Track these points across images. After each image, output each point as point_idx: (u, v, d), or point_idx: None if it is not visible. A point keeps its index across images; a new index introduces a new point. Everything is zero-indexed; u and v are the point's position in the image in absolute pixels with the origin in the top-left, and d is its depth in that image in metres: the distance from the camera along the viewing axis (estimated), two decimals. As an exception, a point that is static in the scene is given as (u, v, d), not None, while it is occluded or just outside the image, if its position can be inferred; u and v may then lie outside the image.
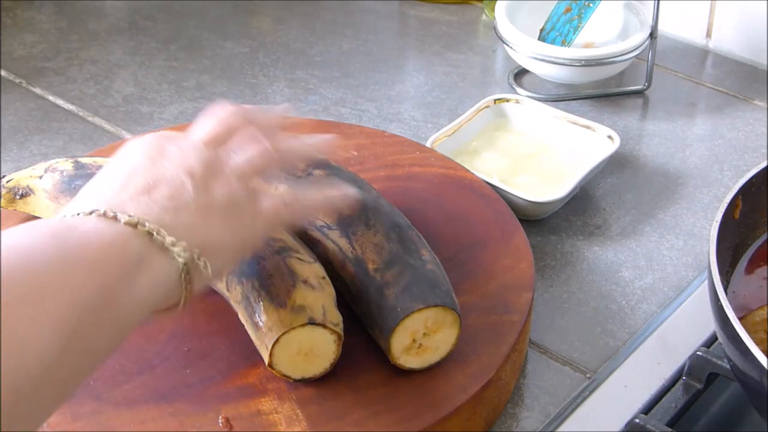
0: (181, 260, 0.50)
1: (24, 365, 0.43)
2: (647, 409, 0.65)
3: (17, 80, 0.97)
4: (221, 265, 0.54)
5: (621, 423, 0.63)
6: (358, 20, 1.07)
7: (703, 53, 1.02)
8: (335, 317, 0.59)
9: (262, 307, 0.58)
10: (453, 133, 0.83)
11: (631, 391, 0.66)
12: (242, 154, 0.56)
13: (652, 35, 0.92)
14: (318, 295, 0.59)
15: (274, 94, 0.95)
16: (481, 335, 0.63)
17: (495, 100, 0.86)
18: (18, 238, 0.47)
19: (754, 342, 0.54)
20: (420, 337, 0.59)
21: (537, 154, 0.84)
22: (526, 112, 0.86)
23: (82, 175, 0.67)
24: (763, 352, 0.54)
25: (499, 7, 0.96)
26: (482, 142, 0.85)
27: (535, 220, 0.78)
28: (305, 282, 0.59)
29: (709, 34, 1.01)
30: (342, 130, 0.81)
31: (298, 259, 0.61)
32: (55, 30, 1.05)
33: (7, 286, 0.44)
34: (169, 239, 0.50)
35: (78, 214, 0.50)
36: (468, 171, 0.77)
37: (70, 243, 0.48)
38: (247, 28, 1.06)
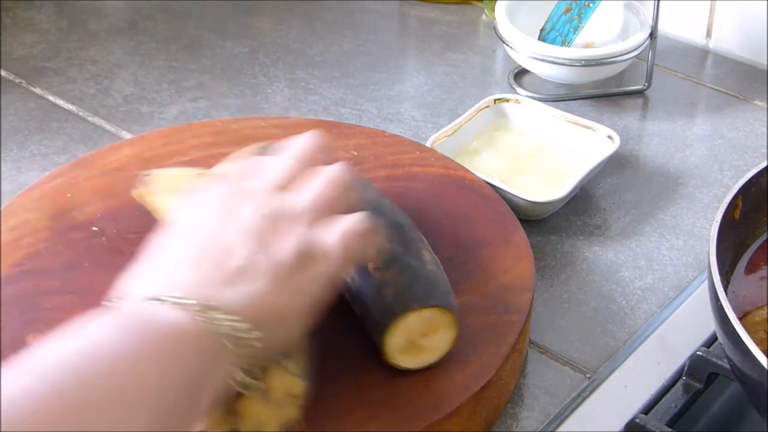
0: (235, 334, 0.49)
1: None
2: (647, 409, 0.65)
3: (17, 80, 0.97)
4: (284, 334, 0.53)
5: (621, 423, 0.63)
6: (358, 20, 1.07)
7: (703, 53, 1.02)
8: None
9: None
10: (453, 133, 0.83)
11: (631, 391, 0.66)
12: (311, 193, 0.55)
13: (652, 35, 0.92)
14: (270, 413, 0.53)
15: (274, 94, 0.95)
16: (481, 335, 0.63)
17: (495, 100, 0.86)
18: (100, 336, 0.47)
19: (754, 342, 0.54)
20: (417, 338, 0.59)
21: (537, 154, 0.84)
22: (526, 112, 0.86)
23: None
24: (763, 352, 0.54)
25: (499, 7, 0.96)
26: (482, 142, 0.85)
27: (535, 220, 0.78)
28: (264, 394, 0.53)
29: (709, 34, 1.01)
30: (342, 130, 0.81)
31: (284, 367, 0.55)
32: (55, 30, 1.05)
33: (95, 392, 0.44)
34: (229, 324, 0.49)
35: (149, 300, 0.49)
36: (468, 171, 0.77)
37: (151, 340, 0.47)
38: (247, 28, 1.06)
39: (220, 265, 0.52)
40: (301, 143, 0.59)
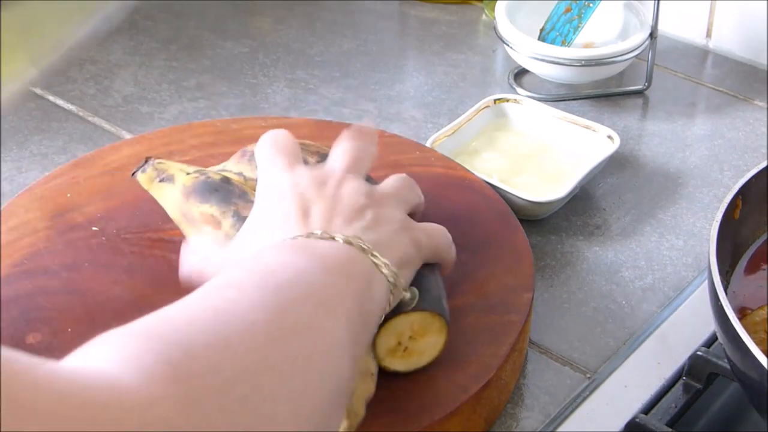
0: (391, 279, 0.54)
1: (338, 372, 0.46)
2: (647, 409, 0.65)
3: (17, 80, 0.96)
4: (407, 280, 0.57)
5: (621, 423, 0.63)
6: (358, 20, 1.07)
7: (703, 53, 1.02)
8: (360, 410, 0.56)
9: None
10: (453, 133, 0.83)
11: (631, 391, 0.66)
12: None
13: (652, 35, 0.92)
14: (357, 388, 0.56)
15: (274, 94, 0.95)
16: (481, 335, 0.63)
17: (495, 100, 0.86)
18: (285, 259, 0.50)
19: (754, 342, 0.54)
20: (406, 340, 0.59)
21: (537, 154, 0.84)
22: (526, 112, 0.86)
23: (224, 190, 0.65)
24: (763, 352, 0.54)
25: (499, 7, 0.96)
26: (482, 142, 0.85)
27: (535, 220, 0.78)
28: None
29: (709, 34, 1.01)
30: (342, 130, 0.81)
31: None
32: (55, 30, 1.05)
33: (300, 303, 0.47)
34: (381, 260, 0.53)
35: (298, 237, 0.53)
36: (468, 171, 0.77)
37: (327, 261, 0.51)
38: (247, 28, 1.06)
39: (354, 215, 0.56)
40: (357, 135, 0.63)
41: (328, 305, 0.48)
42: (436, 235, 0.60)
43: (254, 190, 0.63)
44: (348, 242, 0.53)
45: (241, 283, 0.47)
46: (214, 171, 0.68)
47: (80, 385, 0.35)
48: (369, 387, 0.57)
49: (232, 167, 0.68)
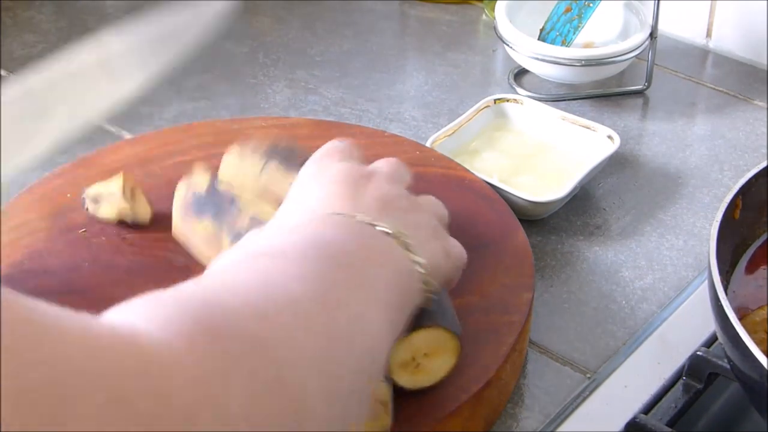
0: (426, 279, 0.53)
1: (371, 356, 0.46)
2: (647, 409, 0.65)
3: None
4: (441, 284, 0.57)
5: (621, 423, 0.63)
6: (358, 20, 1.07)
7: (703, 53, 1.02)
8: None
9: None
10: (453, 133, 0.83)
11: (631, 391, 0.66)
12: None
13: (652, 35, 0.92)
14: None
15: (274, 94, 0.95)
16: (481, 335, 0.63)
17: (495, 100, 0.86)
18: (330, 235, 0.50)
19: (754, 342, 0.54)
20: (420, 356, 0.58)
21: (537, 154, 0.84)
22: (526, 112, 0.86)
23: (213, 202, 0.66)
24: (763, 352, 0.54)
25: (499, 7, 0.96)
26: (482, 142, 0.85)
27: (535, 220, 0.78)
28: None
29: (709, 34, 1.01)
30: (342, 130, 0.81)
31: None
32: (55, 30, 1.05)
33: (344, 276, 0.47)
34: (419, 259, 0.53)
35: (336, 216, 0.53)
36: (468, 171, 0.77)
37: (370, 248, 0.52)
38: (247, 28, 1.06)
39: (396, 212, 0.55)
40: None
41: (369, 290, 0.48)
42: (461, 253, 0.60)
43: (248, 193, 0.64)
44: (395, 236, 0.53)
45: (285, 252, 0.47)
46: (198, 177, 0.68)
47: (113, 339, 0.35)
48: (383, 422, 0.55)
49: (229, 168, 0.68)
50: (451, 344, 0.58)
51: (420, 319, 0.57)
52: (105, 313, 0.39)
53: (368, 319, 0.47)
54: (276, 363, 0.39)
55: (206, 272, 0.46)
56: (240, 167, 0.67)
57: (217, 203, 0.65)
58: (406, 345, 0.57)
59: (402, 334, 0.55)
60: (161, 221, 0.69)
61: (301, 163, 0.61)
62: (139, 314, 0.39)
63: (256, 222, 0.62)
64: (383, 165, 0.61)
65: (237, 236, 0.60)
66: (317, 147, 0.63)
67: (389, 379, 0.58)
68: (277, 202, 0.60)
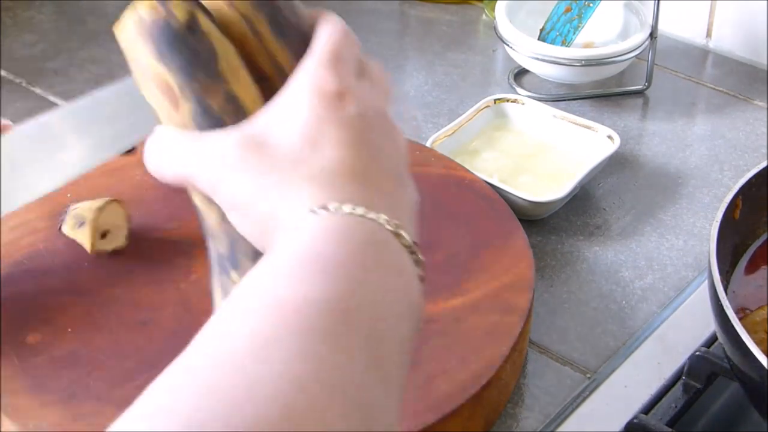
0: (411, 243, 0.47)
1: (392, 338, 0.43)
2: (647, 409, 0.65)
3: (17, 80, 0.97)
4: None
5: (621, 423, 0.63)
6: (358, 20, 1.07)
7: (703, 53, 1.02)
8: None
9: None
10: (453, 133, 0.83)
11: (631, 391, 0.66)
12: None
13: (652, 35, 0.92)
14: None
15: (274, 94, 0.95)
16: (481, 335, 0.63)
17: (495, 100, 0.87)
18: (335, 248, 0.43)
19: (754, 342, 0.54)
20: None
21: (537, 154, 0.84)
22: (526, 112, 0.86)
23: (187, 45, 0.48)
24: (763, 352, 0.54)
25: (499, 7, 0.96)
26: (482, 142, 0.85)
27: (535, 220, 0.78)
28: None
29: (709, 34, 1.01)
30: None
31: None
32: (55, 30, 1.05)
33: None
34: (406, 237, 0.46)
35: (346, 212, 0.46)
36: (468, 171, 0.77)
37: (381, 247, 0.45)
38: (247, 28, 1.06)
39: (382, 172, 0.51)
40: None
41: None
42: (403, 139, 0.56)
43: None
44: (385, 225, 0.46)
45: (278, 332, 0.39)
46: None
47: None
48: None
49: None
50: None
51: None
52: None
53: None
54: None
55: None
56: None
57: (191, 49, 0.47)
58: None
59: None
60: (163, 221, 0.69)
61: (295, 32, 0.52)
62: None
63: (233, 105, 0.48)
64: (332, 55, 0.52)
65: (203, 113, 0.47)
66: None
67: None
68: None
